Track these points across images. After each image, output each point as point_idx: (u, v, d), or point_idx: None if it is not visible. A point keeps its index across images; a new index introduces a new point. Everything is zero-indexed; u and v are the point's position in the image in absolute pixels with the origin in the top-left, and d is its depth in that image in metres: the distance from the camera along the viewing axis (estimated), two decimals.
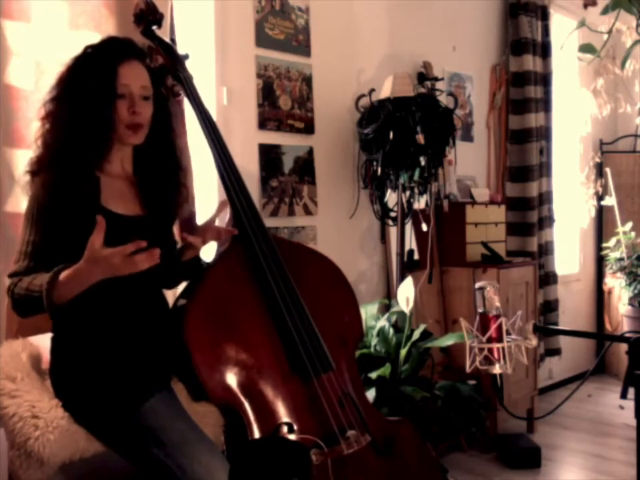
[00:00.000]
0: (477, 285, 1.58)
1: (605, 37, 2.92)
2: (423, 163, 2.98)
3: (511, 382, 3.42)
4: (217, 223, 1.78)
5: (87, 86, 1.58)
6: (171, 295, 2.01)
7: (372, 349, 2.79)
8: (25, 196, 1.62)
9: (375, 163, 3.03)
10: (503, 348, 1.52)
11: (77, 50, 1.66)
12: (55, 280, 1.45)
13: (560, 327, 4.35)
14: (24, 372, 1.67)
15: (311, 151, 3.10)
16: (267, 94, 2.91)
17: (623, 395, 4.33)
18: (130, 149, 1.71)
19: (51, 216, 1.54)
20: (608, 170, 4.97)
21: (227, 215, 1.81)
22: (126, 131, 1.62)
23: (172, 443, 1.52)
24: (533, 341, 1.57)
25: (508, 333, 1.55)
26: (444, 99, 3.31)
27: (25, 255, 1.54)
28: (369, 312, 2.90)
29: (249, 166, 2.79)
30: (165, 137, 1.75)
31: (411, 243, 3.33)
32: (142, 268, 1.44)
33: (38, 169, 1.59)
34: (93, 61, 1.62)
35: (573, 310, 4.82)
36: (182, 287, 1.82)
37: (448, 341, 2.78)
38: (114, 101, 1.59)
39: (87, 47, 1.65)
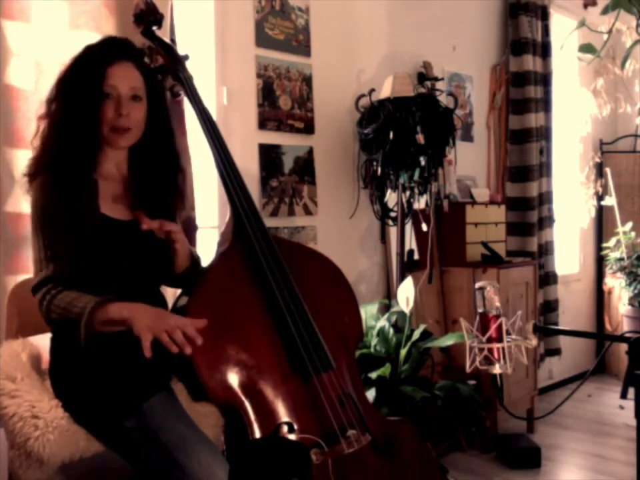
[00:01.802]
0: (477, 285, 1.58)
1: (605, 36, 2.92)
2: (423, 163, 2.98)
3: (511, 382, 3.42)
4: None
5: (76, 86, 1.58)
6: (171, 295, 2.01)
7: (372, 349, 2.79)
8: (26, 198, 1.62)
9: (375, 163, 3.03)
10: (503, 348, 1.52)
11: (77, 50, 1.66)
12: (101, 306, 1.43)
13: (560, 327, 4.35)
14: (24, 372, 1.67)
15: (310, 151, 3.10)
16: (267, 94, 2.91)
17: (623, 395, 4.33)
18: (125, 152, 1.70)
19: (53, 218, 1.53)
20: (608, 170, 4.97)
21: (227, 214, 1.81)
22: (112, 134, 1.60)
23: (171, 443, 1.51)
24: (533, 341, 1.57)
25: (508, 333, 1.55)
26: (444, 99, 3.31)
27: (47, 260, 1.51)
28: (368, 312, 2.90)
29: (248, 166, 2.79)
30: (163, 139, 1.73)
31: (411, 242, 3.33)
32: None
33: (35, 170, 1.59)
34: (85, 61, 1.62)
35: (573, 310, 4.82)
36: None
37: (448, 341, 2.78)
38: (100, 101, 1.58)
39: (86, 47, 1.65)
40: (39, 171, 1.58)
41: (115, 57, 1.61)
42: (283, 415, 1.61)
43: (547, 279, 4.26)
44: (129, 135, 1.63)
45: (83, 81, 1.58)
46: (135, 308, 1.46)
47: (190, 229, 2.34)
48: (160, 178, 1.72)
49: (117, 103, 1.59)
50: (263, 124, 2.90)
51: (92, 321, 1.43)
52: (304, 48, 3.07)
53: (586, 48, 2.83)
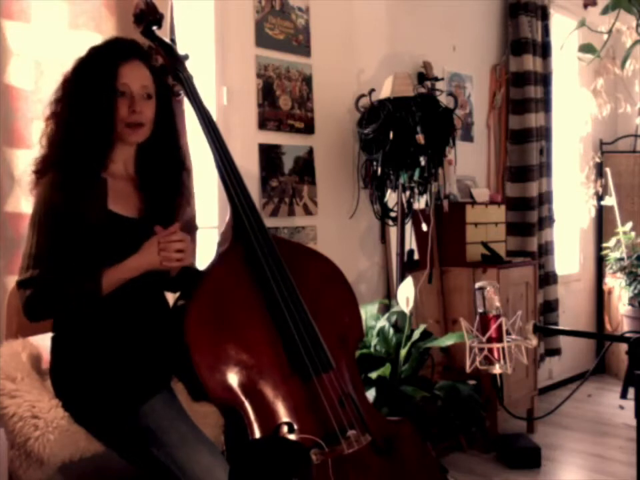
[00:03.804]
0: (477, 285, 1.57)
1: (605, 36, 2.92)
2: (423, 163, 2.98)
3: (511, 382, 3.42)
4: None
5: (88, 85, 1.59)
6: (171, 295, 2.01)
7: (372, 349, 2.79)
8: (26, 196, 1.63)
9: (374, 163, 3.03)
10: (503, 348, 1.52)
11: (77, 50, 1.68)
12: (100, 278, 1.52)
13: (560, 327, 4.35)
14: (24, 372, 1.67)
15: (311, 151, 3.10)
16: (267, 94, 2.91)
17: (623, 395, 4.33)
18: (133, 150, 1.71)
19: (58, 216, 1.53)
20: (608, 170, 4.97)
21: (227, 214, 1.81)
22: (126, 129, 1.62)
23: (171, 444, 1.52)
24: (533, 341, 1.57)
25: (508, 333, 1.55)
26: (444, 99, 3.31)
27: (33, 258, 1.52)
28: (368, 312, 2.90)
29: (248, 166, 2.79)
30: (169, 137, 1.75)
31: (411, 242, 3.32)
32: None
33: (43, 168, 1.60)
34: (95, 61, 1.63)
35: (573, 310, 4.82)
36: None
37: (448, 341, 2.78)
38: (114, 99, 1.60)
39: (91, 48, 1.67)
40: (47, 169, 1.59)
41: (126, 56, 1.64)
42: (283, 415, 1.61)
43: (547, 279, 4.26)
44: (142, 130, 1.65)
45: (95, 80, 1.60)
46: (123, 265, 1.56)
47: (190, 228, 2.34)
48: (166, 176, 1.73)
49: (130, 100, 1.62)
50: (263, 124, 2.90)
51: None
52: (304, 48, 3.07)
53: (586, 48, 2.83)
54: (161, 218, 1.70)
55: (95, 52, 1.66)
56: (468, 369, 1.52)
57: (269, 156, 2.92)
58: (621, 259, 4.61)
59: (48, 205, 1.55)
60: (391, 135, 2.92)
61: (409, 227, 3.24)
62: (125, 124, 1.62)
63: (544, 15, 4.28)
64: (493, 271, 3.36)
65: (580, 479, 3.16)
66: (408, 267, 3.23)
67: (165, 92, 1.75)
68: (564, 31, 4.47)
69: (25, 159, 1.95)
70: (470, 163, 3.91)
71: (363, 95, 3.12)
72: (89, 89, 1.59)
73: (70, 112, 1.60)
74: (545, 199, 4.25)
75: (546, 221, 4.26)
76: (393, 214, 3.24)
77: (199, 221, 2.45)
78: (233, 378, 1.58)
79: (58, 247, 1.53)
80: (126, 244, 1.58)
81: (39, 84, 2.06)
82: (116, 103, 1.60)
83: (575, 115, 4.96)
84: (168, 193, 1.73)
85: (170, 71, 1.86)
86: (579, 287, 4.99)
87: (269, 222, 2.80)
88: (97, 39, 2.14)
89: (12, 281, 1.98)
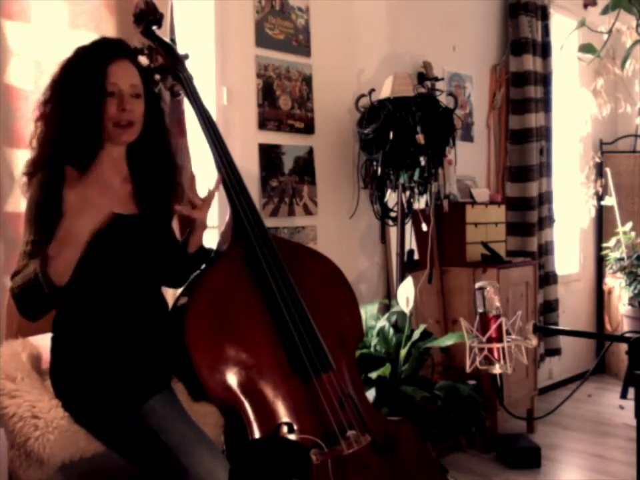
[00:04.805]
0: (477, 285, 1.57)
1: (605, 36, 2.92)
2: (423, 163, 2.98)
3: (511, 382, 3.42)
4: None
5: (77, 85, 1.58)
6: (171, 295, 2.01)
7: (372, 349, 2.79)
8: (25, 197, 1.62)
9: (374, 163, 3.03)
10: (503, 348, 1.52)
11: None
12: (46, 253, 1.39)
13: (560, 327, 4.35)
14: (24, 372, 1.67)
15: (311, 151, 3.10)
16: (267, 94, 2.91)
17: (623, 395, 4.33)
18: (123, 149, 1.70)
19: (48, 214, 1.53)
20: (608, 170, 4.97)
21: (227, 214, 1.81)
22: (115, 129, 1.61)
23: (172, 444, 1.52)
24: (533, 341, 1.57)
25: (508, 333, 1.55)
26: (444, 99, 3.31)
27: (26, 255, 1.52)
28: (368, 312, 2.90)
29: (248, 166, 2.79)
30: (158, 136, 1.74)
31: (411, 242, 3.32)
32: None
33: (34, 169, 1.59)
34: (83, 61, 1.62)
35: (573, 310, 4.82)
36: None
37: (448, 341, 2.78)
38: (103, 99, 1.59)
39: (78, 49, 1.66)
40: (37, 170, 1.58)
41: (114, 56, 1.62)
42: (283, 415, 1.61)
43: (547, 278, 4.26)
44: (132, 130, 1.64)
45: (84, 80, 1.58)
46: (62, 231, 1.40)
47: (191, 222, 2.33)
48: (157, 174, 1.72)
49: (119, 99, 1.60)
50: (263, 124, 2.90)
51: (48, 274, 1.39)
52: (304, 48, 3.07)
53: (586, 48, 2.83)
54: (156, 215, 1.71)
55: (82, 52, 1.64)
56: (468, 369, 1.52)
57: (269, 156, 2.92)
58: (621, 259, 4.61)
59: (37, 203, 1.54)
60: (391, 135, 2.92)
61: (409, 227, 3.25)
62: (114, 123, 1.60)
63: (544, 15, 4.28)
64: (493, 271, 3.36)
65: (580, 479, 3.16)
66: (408, 266, 3.23)
67: (153, 91, 1.74)
68: (564, 31, 4.47)
69: (25, 158, 1.95)
70: (470, 162, 3.91)
71: (363, 95, 3.13)
72: (77, 89, 1.58)
73: (59, 113, 1.58)
74: (544, 199, 4.26)
75: (546, 221, 4.26)
76: (393, 214, 3.24)
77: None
78: (233, 378, 1.58)
79: (47, 242, 1.51)
80: (119, 239, 1.58)
81: (38, 84, 2.06)
82: (105, 103, 1.59)
83: (575, 114, 4.96)
84: (161, 191, 1.72)
85: (170, 71, 1.86)
86: (579, 287, 4.99)
87: (269, 222, 2.80)
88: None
89: None
